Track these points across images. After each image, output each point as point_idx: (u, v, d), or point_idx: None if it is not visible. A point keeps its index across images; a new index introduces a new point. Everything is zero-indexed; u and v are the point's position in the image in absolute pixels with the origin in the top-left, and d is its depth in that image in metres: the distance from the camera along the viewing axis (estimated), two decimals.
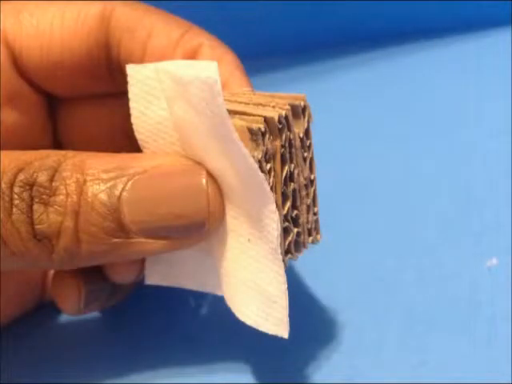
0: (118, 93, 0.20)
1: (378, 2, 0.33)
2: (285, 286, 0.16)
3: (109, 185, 0.16)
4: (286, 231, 0.17)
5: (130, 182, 0.16)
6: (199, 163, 0.16)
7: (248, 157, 0.15)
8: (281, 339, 0.20)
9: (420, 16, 0.34)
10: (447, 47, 0.33)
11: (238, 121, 0.16)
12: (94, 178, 0.16)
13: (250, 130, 0.15)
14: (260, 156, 0.16)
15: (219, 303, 0.22)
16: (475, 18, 0.34)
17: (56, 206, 0.15)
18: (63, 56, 0.19)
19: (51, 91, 0.21)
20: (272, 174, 0.16)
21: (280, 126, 0.16)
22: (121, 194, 0.16)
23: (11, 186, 0.15)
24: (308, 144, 0.17)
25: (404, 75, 0.32)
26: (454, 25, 0.34)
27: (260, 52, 0.28)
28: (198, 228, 0.16)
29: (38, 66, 0.20)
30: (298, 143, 0.17)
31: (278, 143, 0.16)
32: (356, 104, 0.30)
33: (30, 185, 0.15)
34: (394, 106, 0.30)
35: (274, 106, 0.16)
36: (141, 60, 0.19)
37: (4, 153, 0.16)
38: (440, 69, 0.32)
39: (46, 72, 0.20)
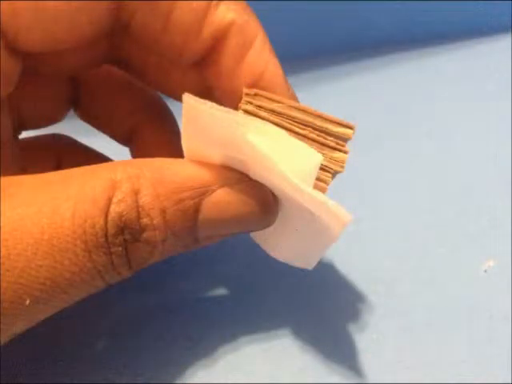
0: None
1: (377, 10, 0.33)
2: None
3: (186, 208, 0.17)
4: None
5: (204, 203, 0.17)
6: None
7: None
8: (279, 340, 0.20)
9: (420, 23, 0.34)
10: (447, 54, 0.33)
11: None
12: (173, 204, 0.16)
13: None
14: None
15: (219, 303, 0.22)
16: (476, 25, 0.34)
17: (147, 242, 0.17)
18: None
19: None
20: None
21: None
22: (198, 216, 0.17)
23: (105, 236, 0.16)
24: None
25: (404, 81, 0.32)
26: (454, 31, 0.34)
27: None
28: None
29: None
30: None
31: None
32: (356, 110, 0.30)
33: (121, 228, 0.16)
34: (394, 111, 0.30)
35: (322, 144, 0.17)
36: (159, 35, 0.18)
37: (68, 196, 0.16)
38: (440, 75, 0.32)
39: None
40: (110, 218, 0.16)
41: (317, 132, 0.18)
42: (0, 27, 0.17)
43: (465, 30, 0.34)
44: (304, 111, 0.17)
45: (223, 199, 0.17)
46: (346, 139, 0.18)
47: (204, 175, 0.17)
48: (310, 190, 0.16)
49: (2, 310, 0.16)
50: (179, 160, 0.18)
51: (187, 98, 0.16)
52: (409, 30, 0.34)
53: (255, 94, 0.18)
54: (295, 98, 0.19)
